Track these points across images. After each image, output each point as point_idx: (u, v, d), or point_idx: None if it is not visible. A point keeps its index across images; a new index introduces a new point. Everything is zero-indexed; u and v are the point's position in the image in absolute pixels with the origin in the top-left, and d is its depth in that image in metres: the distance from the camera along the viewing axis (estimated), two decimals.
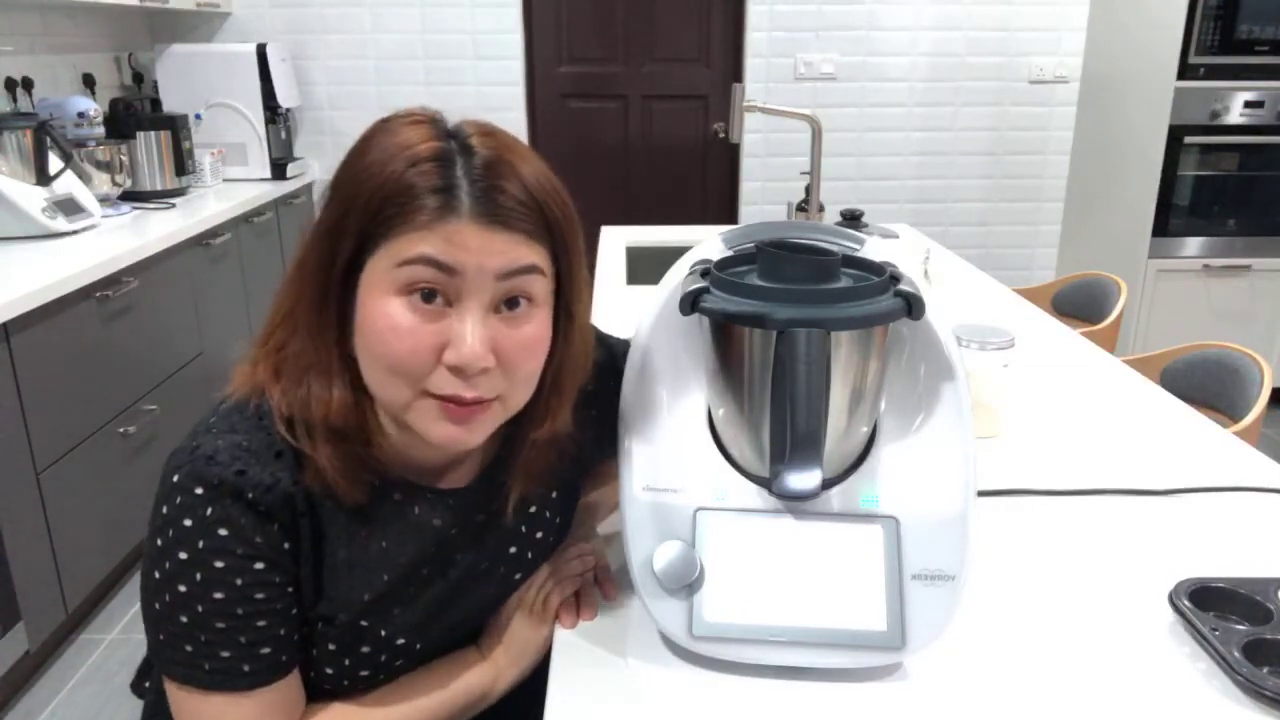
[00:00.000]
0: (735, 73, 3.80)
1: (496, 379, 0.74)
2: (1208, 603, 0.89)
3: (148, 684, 1.01)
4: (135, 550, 2.48)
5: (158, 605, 0.75)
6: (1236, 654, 0.81)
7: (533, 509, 0.92)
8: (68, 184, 2.52)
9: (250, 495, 0.74)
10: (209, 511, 0.73)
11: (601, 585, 0.95)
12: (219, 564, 0.73)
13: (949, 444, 0.83)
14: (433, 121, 0.75)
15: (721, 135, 3.87)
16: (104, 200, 2.70)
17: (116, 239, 2.41)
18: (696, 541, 0.82)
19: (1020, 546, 1.04)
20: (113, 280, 2.23)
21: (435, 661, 0.88)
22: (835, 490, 0.83)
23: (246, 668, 0.75)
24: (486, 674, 0.88)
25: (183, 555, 0.73)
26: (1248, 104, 3.33)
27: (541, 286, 0.75)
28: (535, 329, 0.76)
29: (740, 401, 0.82)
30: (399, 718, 0.84)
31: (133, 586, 2.44)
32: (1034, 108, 3.83)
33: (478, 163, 0.72)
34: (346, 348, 0.76)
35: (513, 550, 0.91)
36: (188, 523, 0.73)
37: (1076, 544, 1.05)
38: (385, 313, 0.72)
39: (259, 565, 0.75)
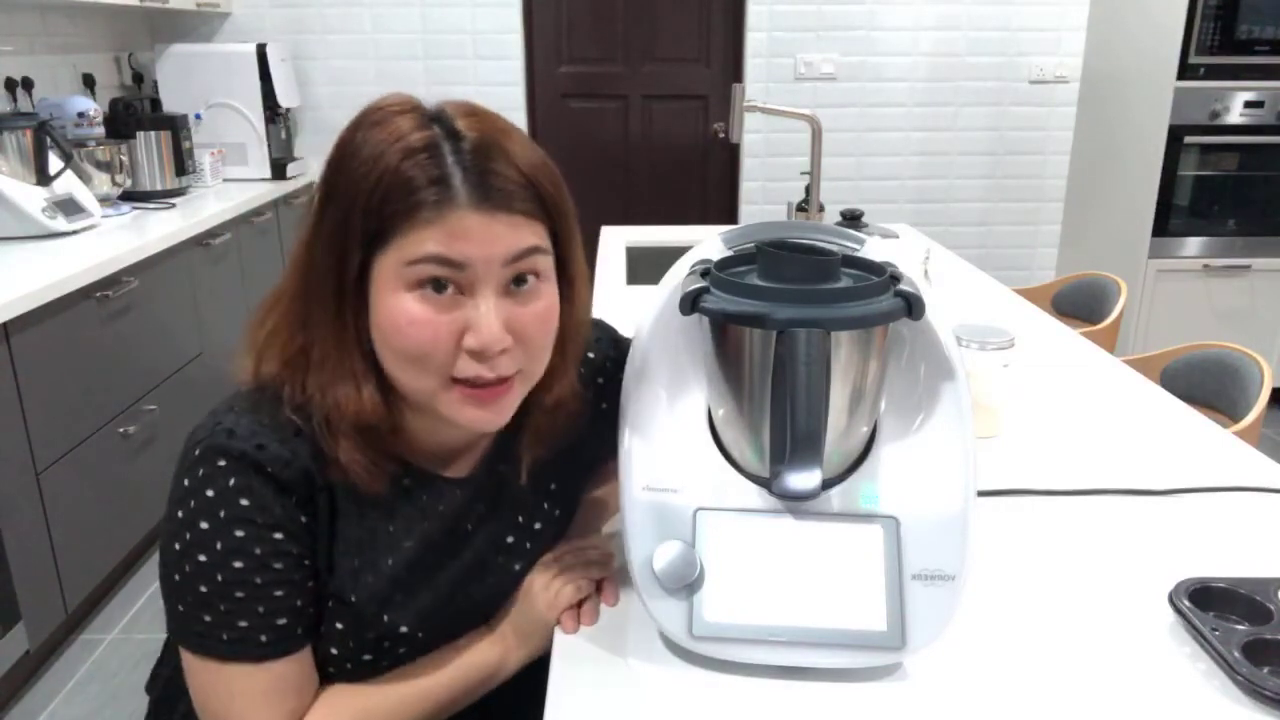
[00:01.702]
0: (735, 73, 3.80)
1: (516, 356, 0.77)
2: (1208, 603, 0.89)
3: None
4: (135, 550, 2.48)
5: (178, 577, 0.77)
6: (1236, 654, 0.81)
7: (532, 500, 0.93)
8: (68, 184, 2.52)
9: (269, 469, 0.76)
10: (231, 482, 0.75)
11: (604, 592, 0.94)
12: (239, 533, 0.75)
13: (949, 444, 0.83)
14: (415, 109, 0.77)
15: (721, 135, 3.87)
16: (104, 200, 2.70)
17: (116, 239, 2.41)
18: (696, 541, 0.82)
19: (1020, 546, 1.04)
20: (113, 280, 2.23)
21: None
22: (835, 490, 0.83)
23: (264, 638, 0.77)
24: (494, 650, 0.89)
25: (204, 525, 0.75)
26: (1248, 104, 3.33)
27: (545, 262, 0.78)
28: (545, 304, 0.79)
29: (740, 401, 0.82)
30: (405, 694, 0.84)
31: (133, 586, 2.44)
32: (1034, 108, 3.83)
33: (467, 147, 0.74)
34: (366, 345, 0.78)
35: (510, 540, 0.91)
36: (210, 493, 0.75)
37: (1076, 544, 1.05)
38: (401, 309, 0.74)
39: (278, 535, 0.77)
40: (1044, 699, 0.80)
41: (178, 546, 0.77)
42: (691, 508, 0.83)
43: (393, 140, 0.73)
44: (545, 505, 0.94)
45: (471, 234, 0.72)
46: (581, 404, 0.91)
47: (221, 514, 0.75)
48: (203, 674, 0.78)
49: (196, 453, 0.77)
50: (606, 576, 0.94)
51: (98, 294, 2.18)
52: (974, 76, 3.78)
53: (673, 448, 0.86)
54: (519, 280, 0.76)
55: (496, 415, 0.79)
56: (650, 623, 0.85)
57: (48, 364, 2.01)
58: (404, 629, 0.84)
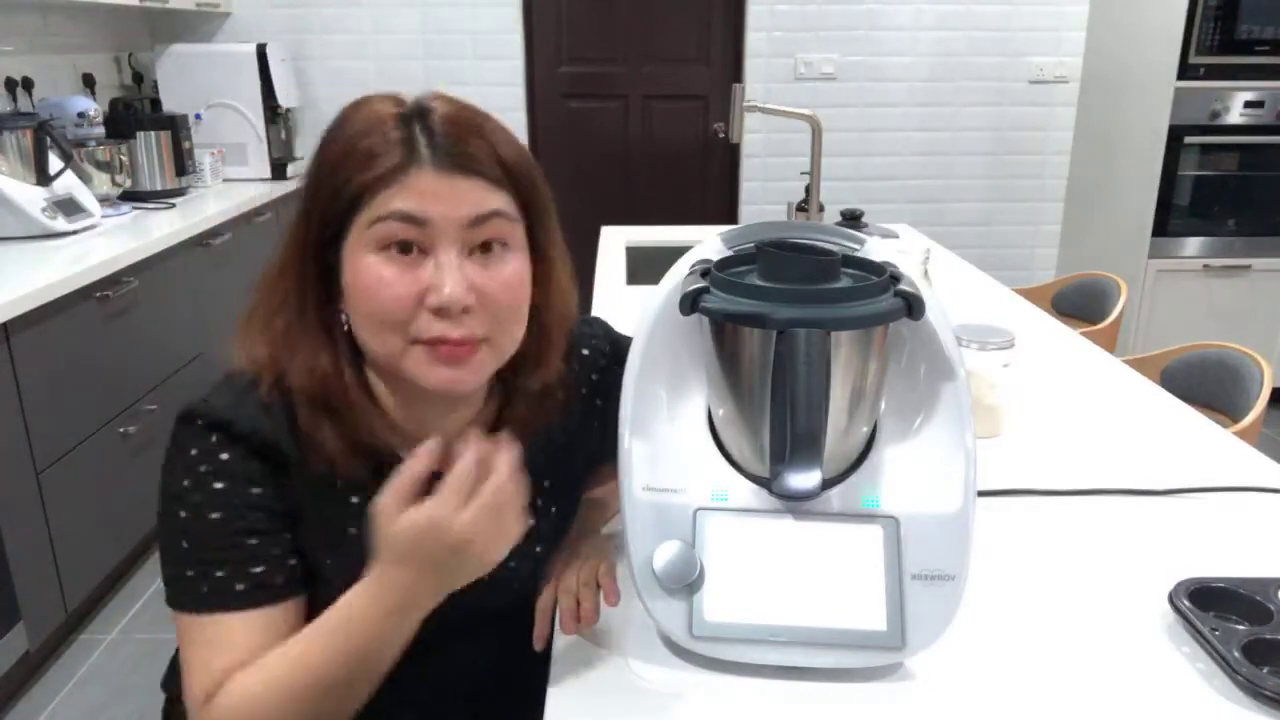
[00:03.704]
0: (735, 73, 3.80)
1: (480, 319, 0.78)
2: (1208, 603, 0.89)
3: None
4: (135, 550, 2.48)
5: (167, 540, 0.80)
6: (1236, 654, 0.81)
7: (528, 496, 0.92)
8: (68, 184, 2.52)
9: (243, 434, 0.79)
10: (212, 439, 0.79)
11: (605, 590, 0.94)
12: (218, 485, 0.79)
13: (949, 444, 0.83)
14: (395, 97, 0.81)
15: (721, 135, 3.87)
16: (104, 200, 2.70)
17: (116, 239, 2.41)
18: (696, 541, 0.82)
19: (1020, 546, 1.04)
20: (113, 280, 2.23)
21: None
22: (835, 490, 0.83)
23: (240, 586, 0.79)
24: (359, 594, 0.76)
25: (186, 482, 0.79)
26: (1248, 104, 3.33)
27: (513, 231, 0.79)
28: (513, 271, 0.79)
29: (740, 401, 0.82)
30: (291, 656, 0.76)
31: (133, 586, 2.44)
32: (1034, 108, 3.83)
33: (435, 119, 0.77)
34: (331, 318, 0.81)
35: None
36: (193, 452, 0.79)
37: (1076, 544, 1.05)
38: (367, 269, 0.76)
39: (254, 490, 0.80)
40: (1044, 699, 0.80)
41: (161, 510, 0.80)
42: (691, 508, 0.83)
43: (365, 116, 0.78)
44: (540, 502, 0.94)
45: (433, 191, 0.75)
46: (571, 394, 0.92)
47: (201, 468, 0.79)
48: (187, 630, 0.79)
49: (180, 422, 0.81)
50: (607, 576, 0.94)
51: (98, 294, 2.18)
52: (974, 76, 3.78)
53: (673, 448, 0.86)
54: (486, 247, 0.78)
55: (466, 375, 0.79)
56: (650, 623, 0.85)
57: (48, 364, 2.01)
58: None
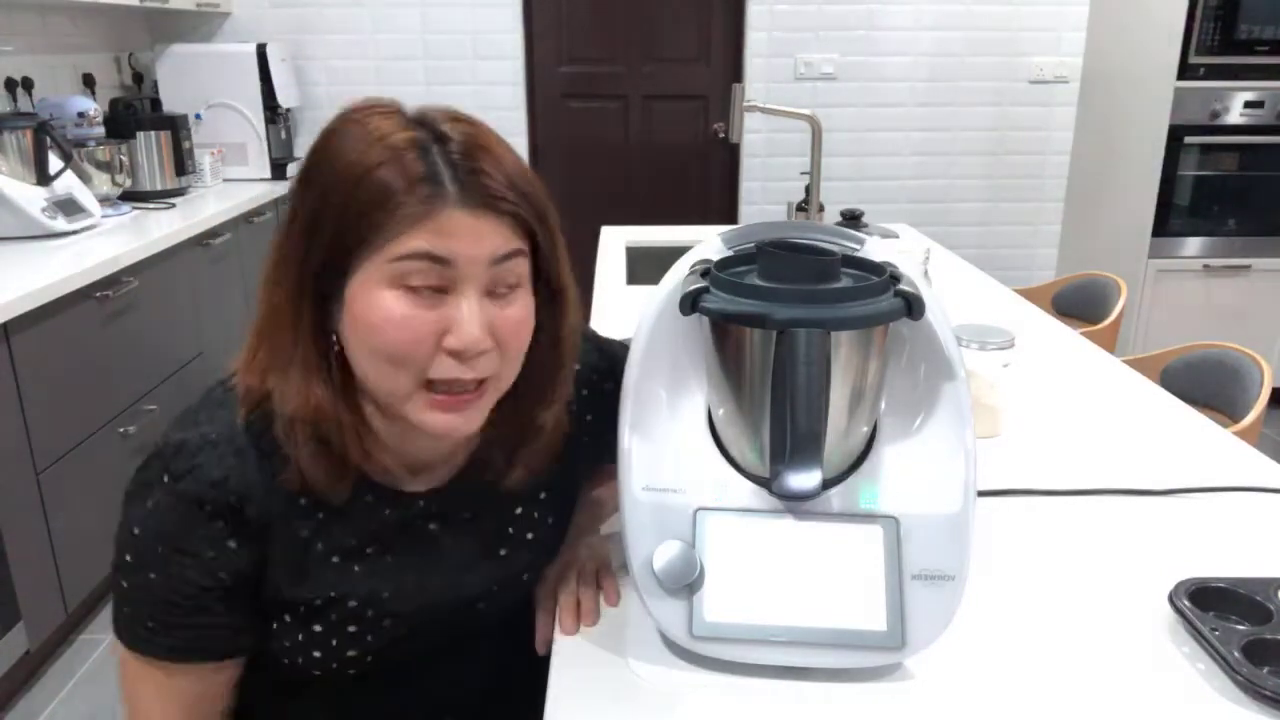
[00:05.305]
0: (735, 73, 3.80)
1: (493, 359, 0.76)
2: (1208, 603, 0.89)
3: None
4: None
5: (115, 570, 0.80)
6: (1236, 654, 0.81)
7: (519, 510, 0.92)
8: (68, 184, 2.52)
9: (196, 491, 0.77)
10: (161, 499, 0.77)
11: (605, 590, 0.94)
12: (159, 548, 0.78)
13: (949, 444, 0.83)
14: (398, 111, 0.77)
15: (721, 135, 3.87)
16: (104, 200, 2.70)
17: (116, 239, 2.41)
18: (696, 541, 0.82)
19: (1020, 546, 1.04)
20: (113, 280, 2.23)
21: None
22: (835, 490, 0.83)
23: (169, 643, 0.80)
24: None
25: (136, 530, 0.78)
26: (1248, 104, 3.33)
27: (524, 268, 0.78)
28: (522, 309, 0.78)
29: (740, 401, 0.82)
30: None
31: None
32: (1034, 108, 3.83)
33: (454, 148, 0.73)
34: (325, 343, 0.77)
35: (503, 553, 0.91)
36: (149, 504, 0.78)
37: (1076, 544, 1.05)
38: (380, 305, 0.73)
39: (203, 557, 0.78)
40: (1044, 699, 0.80)
41: (116, 536, 0.80)
42: (691, 508, 0.83)
43: (376, 139, 0.73)
44: (537, 515, 0.94)
45: (460, 232, 0.72)
46: (572, 418, 0.91)
47: (150, 523, 0.78)
48: (123, 665, 0.83)
49: (149, 457, 0.79)
50: (607, 576, 0.94)
51: (98, 294, 2.18)
52: (974, 76, 3.78)
53: (673, 448, 0.86)
54: (501, 285, 0.76)
55: (466, 422, 0.78)
56: (650, 623, 0.85)
57: (48, 364, 2.01)
58: (353, 603, 0.83)
